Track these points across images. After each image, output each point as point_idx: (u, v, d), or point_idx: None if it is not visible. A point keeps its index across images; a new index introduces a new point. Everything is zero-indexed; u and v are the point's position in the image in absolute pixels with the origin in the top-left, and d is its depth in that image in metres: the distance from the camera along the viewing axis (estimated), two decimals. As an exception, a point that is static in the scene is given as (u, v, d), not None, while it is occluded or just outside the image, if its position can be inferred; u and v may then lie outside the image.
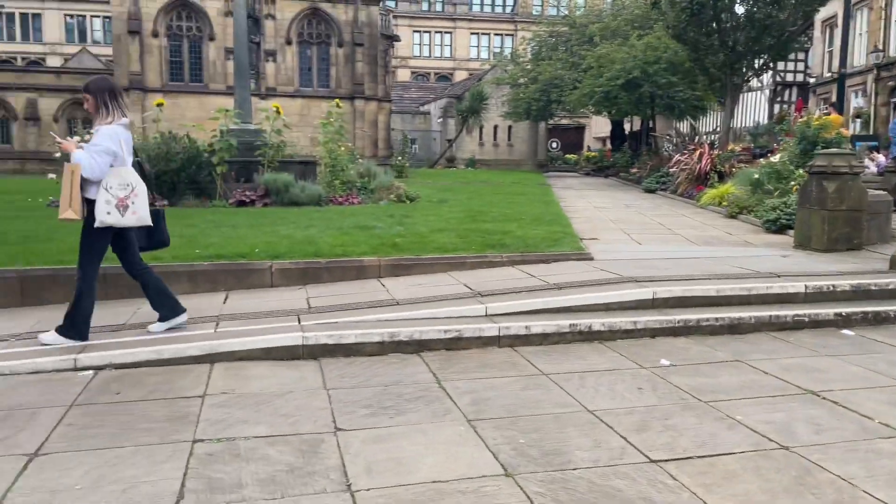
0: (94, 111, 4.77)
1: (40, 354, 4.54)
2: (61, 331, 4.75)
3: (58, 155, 8.01)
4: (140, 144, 12.41)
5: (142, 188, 4.80)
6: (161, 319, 5.09)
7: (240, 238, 7.77)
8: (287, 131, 13.44)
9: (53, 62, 51.86)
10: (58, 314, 4.94)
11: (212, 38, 33.18)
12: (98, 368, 4.44)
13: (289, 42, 34.02)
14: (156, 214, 5.03)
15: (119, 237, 4.95)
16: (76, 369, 4.42)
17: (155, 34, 32.45)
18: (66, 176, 4.68)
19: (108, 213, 4.66)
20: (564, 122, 46.97)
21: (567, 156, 47.88)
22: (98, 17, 55.46)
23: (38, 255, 6.45)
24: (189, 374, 4.40)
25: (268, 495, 2.87)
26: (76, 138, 4.87)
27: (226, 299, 6.11)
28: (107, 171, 4.67)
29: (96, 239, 4.77)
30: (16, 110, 32.31)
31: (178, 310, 5.14)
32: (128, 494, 2.85)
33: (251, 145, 12.59)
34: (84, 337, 4.80)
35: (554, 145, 47.70)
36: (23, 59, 54.42)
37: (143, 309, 5.75)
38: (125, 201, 4.70)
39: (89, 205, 4.73)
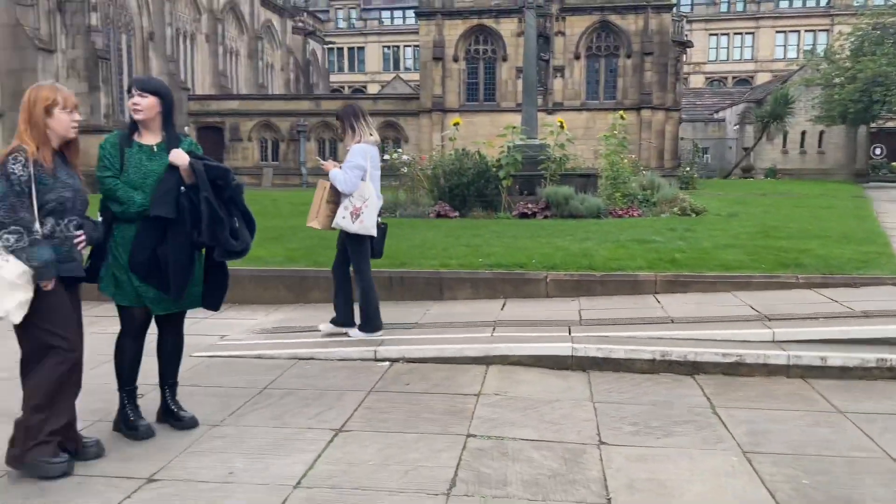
0: (344, 133, 5.43)
1: (348, 345, 5.28)
2: (362, 327, 5.47)
3: None
4: (437, 161, 13.72)
5: (373, 202, 5.29)
6: (333, 321, 5.52)
7: (519, 249, 8.13)
8: (570, 144, 13.68)
9: (373, 89, 59.36)
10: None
11: (504, 59, 35.10)
12: (393, 360, 5.02)
13: (577, 57, 34.56)
14: (377, 228, 5.39)
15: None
16: (375, 360, 5.05)
17: (455, 59, 35.36)
18: (317, 190, 5.41)
19: (343, 217, 5.24)
20: (891, 124, 40.58)
21: (894, 164, 41.29)
22: (409, 46, 62.22)
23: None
24: (467, 373, 4.76)
25: (530, 496, 3.01)
26: (332, 161, 5.56)
27: (503, 306, 6.46)
28: (359, 185, 5.24)
29: (358, 242, 5.37)
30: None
31: (350, 322, 5.50)
32: (409, 476, 3.20)
33: (535, 160, 13.07)
34: (378, 326, 5.45)
35: (878, 152, 41.39)
36: (349, 87, 63.33)
37: (432, 311, 6.37)
38: (358, 211, 5.23)
39: None
